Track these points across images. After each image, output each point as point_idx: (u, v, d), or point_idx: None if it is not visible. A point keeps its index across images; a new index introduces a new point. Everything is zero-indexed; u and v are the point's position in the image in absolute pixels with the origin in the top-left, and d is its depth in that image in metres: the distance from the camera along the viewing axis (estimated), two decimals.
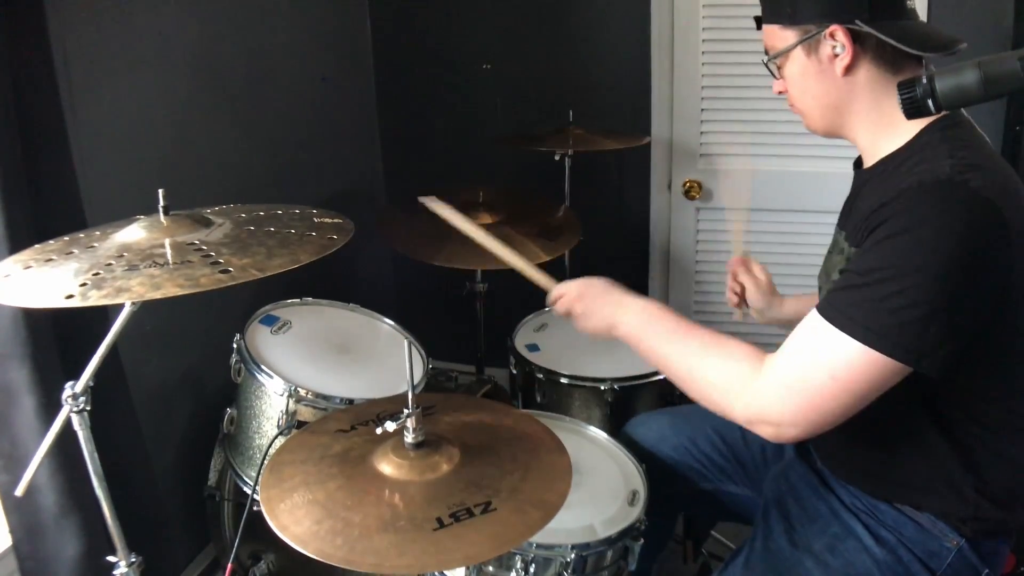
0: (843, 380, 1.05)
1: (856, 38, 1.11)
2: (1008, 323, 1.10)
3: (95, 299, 0.98)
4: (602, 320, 1.33)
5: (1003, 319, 1.09)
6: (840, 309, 1.05)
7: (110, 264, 1.05)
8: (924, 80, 0.87)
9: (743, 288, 1.58)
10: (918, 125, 1.13)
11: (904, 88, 0.90)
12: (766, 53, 1.23)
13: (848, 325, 1.04)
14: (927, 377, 1.06)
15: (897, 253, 1.02)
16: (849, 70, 1.14)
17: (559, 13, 2.61)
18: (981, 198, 1.01)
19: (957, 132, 1.11)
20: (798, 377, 1.08)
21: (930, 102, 0.88)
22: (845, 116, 1.19)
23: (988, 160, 1.08)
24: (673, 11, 2.45)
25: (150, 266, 1.04)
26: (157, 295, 0.98)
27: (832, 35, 1.12)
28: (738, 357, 1.15)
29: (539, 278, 1.48)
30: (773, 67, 1.23)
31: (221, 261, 1.07)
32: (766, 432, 1.12)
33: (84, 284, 1.00)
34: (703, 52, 2.45)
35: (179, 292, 0.99)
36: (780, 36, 1.19)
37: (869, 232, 1.07)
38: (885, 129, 1.16)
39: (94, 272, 1.03)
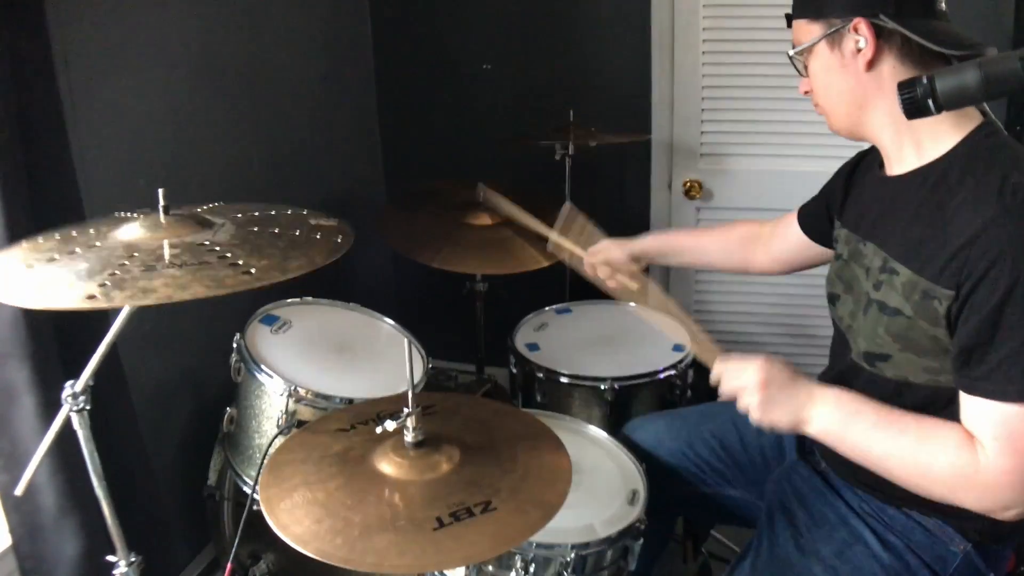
0: None
1: (880, 33, 1.10)
2: None
3: (120, 300, 0.97)
4: (791, 414, 1.17)
5: None
6: (1004, 382, 1.01)
7: (124, 264, 1.05)
8: (924, 80, 0.87)
9: (608, 272, 1.68)
10: (954, 135, 1.11)
11: (904, 88, 0.89)
12: (794, 48, 1.22)
13: (1022, 395, 1.01)
14: (938, 390, 1.08)
15: None
16: (872, 65, 1.12)
17: (559, 13, 2.61)
18: None
19: (1003, 140, 1.10)
20: (1014, 461, 1.02)
21: (930, 102, 0.88)
22: (869, 114, 1.18)
23: None
24: (673, 11, 2.45)
25: (168, 267, 1.04)
26: (185, 296, 0.98)
27: (856, 29, 1.11)
28: (952, 448, 1.06)
29: (701, 348, 1.33)
30: (800, 64, 1.23)
31: (240, 263, 1.06)
32: (1011, 516, 1.06)
33: (103, 285, 1.00)
34: (703, 52, 2.45)
35: (206, 294, 0.99)
36: (806, 31, 1.18)
37: (971, 278, 1.02)
38: (916, 134, 1.14)
39: (110, 272, 1.02)
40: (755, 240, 1.68)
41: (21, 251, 1.13)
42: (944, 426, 1.08)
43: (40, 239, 1.17)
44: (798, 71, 1.24)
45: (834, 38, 1.14)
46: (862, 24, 1.10)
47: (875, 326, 1.19)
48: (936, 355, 1.12)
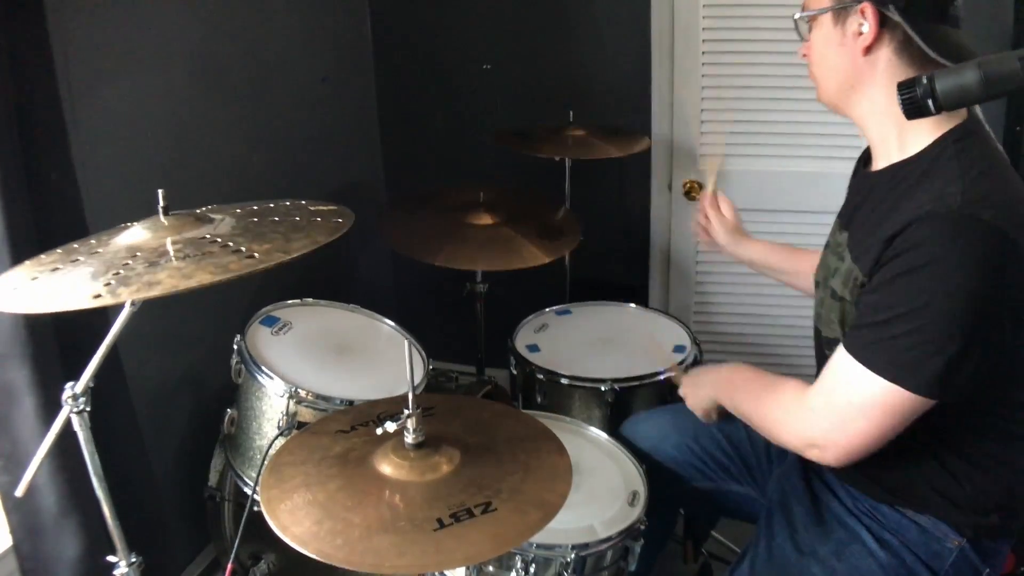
0: (870, 413, 1.09)
1: (884, 23, 1.11)
2: (1015, 344, 1.11)
3: (126, 295, 0.98)
4: (705, 393, 1.53)
5: (1014, 344, 1.10)
6: (863, 346, 1.10)
7: (128, 263, 1.05)
8: (924, 80, 0.87)
9: (708, 222, 1.78)
10: (932, 134, 1.12)
11: (904, 88, 0.90)
12: (802, 11, 1.23)
13: (871, 361, 1.08)
14: None
15: (913, 291, 1.04)
16: (869, 51, 1.13)
17: (559, 13, 2.61)
18: (993, 230, 1.01)
19: (970, 145, 1.10)
20: (827, 405, 1.15)
21: (930, 102, 0.88)
22: (857, 98, 1.19)
23: (1000, 182, 1.08)
24: (673, 11, 2.45)
25: (172, 260, 1.04)
26: (191, 284, 0.98)
27: (862, 12, 1.12)
28: (785, 392, 1.25)
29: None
30: (804, 27, 1.24)
31: (243, 248, 1.06)
32: (814, 455, 1.19)
33: (109, 284, 0.99)
34: (703, 52, 2.44)
35: (212, 280, 0.99)
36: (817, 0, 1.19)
37: (880, 263, 1.08)
38: (900, 128, 1.15)
39: (114, 272, 1.02)
40: None
41: (24, 268, 1.14)
42: (788, 380, 1.27)
43: (43, 256, 1.18)
44: (800, 35, 1.26)
45: (840, 14, 1.15)
46: (869, 9, 1.11)
47: (830, 312, 1.25)
48: None
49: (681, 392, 1.59)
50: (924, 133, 1.13)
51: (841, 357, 1.13)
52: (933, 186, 1.07)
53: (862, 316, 1.13)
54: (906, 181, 1.12)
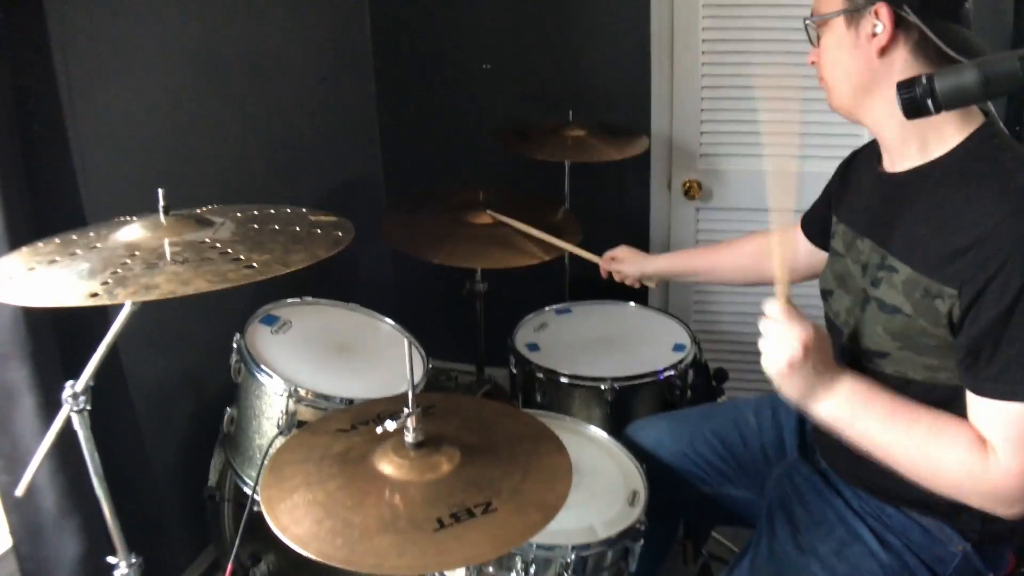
0: None
1: (899, 23, 1.10)
2: None
3: (123, 296, 0.98)
4: (805, 393, 1.14)
5: None
6: (1012, 383, 1.01)
7: (126, 262, 1.05)
8: (924, 80, 0.87)
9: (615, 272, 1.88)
10: (957, 135, 1.11)
11: (903, 88, 0.89)
12: (812, 16, 1.21)
13: None
14: (937, 387, 1.09)
15: None
16: (884, 53, 1.12)
17: (559, 13, 2.61)
18: None
19: (1004, 143, 1.10)
20: (1021, 461, 1.02)
21: (930, 102, 0.88)
22: (872, 101, 1.17)
23: None
24: (673, 11, 2.45)
25: (171, 263, 1.04)
26: (188, 291, 0.99)
27: (877, 13, 1.10)
28: (963, 447, 1.05)
29: (779, 275, 1.17)
30: (813, 33, 1.22)
31: (242, 257, 1.07)
32: (1011, 514, 1.06)
33: (106, 283, 1.00)
34: (703, 52, 2.45)
35: (209, 288, 0.99)
36: (828, 2, 1.17)
37: (979, 278, 1.02)
38: (919, 130, 1.13)
39: (112, 271, 1.02)
40: (765, 252, 1.68)
41: (22, 256, 1.14)
42: (956, 423, 1.07)
43: (40, 243, 1.18)
44: (810, 39, 1.24)
45: (853, 16, 1.14)
46: (884, 9, 1.10)
47: (873, 324, 1.19)
48: (936, 353, 1.12)
49: (765, 342, 1.15)
50: (948, 135, 1.12)
51: (1005, 411, 1.02)
52: (989, 181, 1.05)
53: (1001, 351, 1.02)
54: (948, 181, 1.10)
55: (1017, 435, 1.01)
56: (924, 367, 1.14)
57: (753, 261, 1.73)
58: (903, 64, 1.12)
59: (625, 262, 1.91)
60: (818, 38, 1.22)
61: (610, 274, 1.97)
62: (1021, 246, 0.99)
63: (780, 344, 1.12)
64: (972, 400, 1.06)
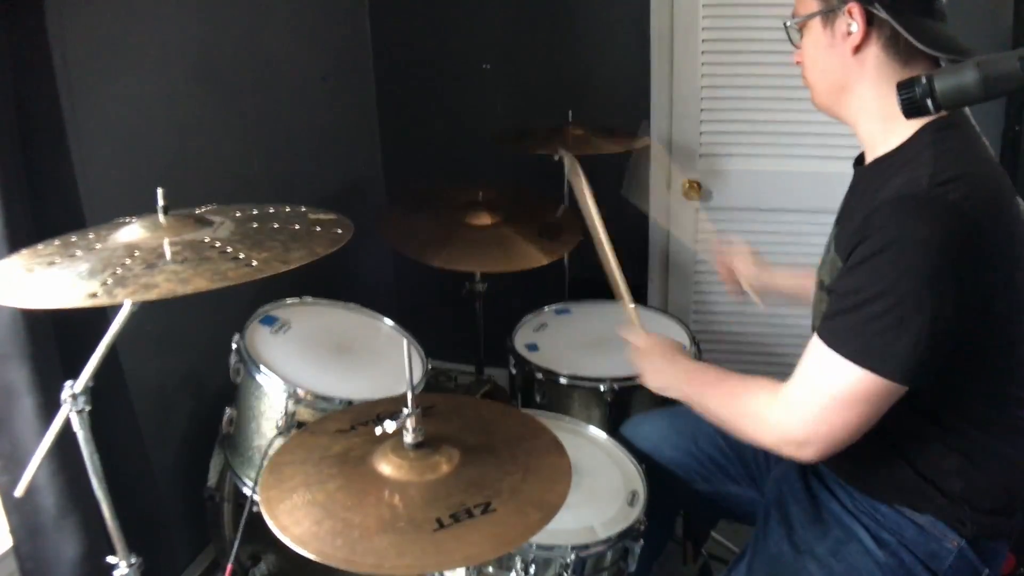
0: (845, 400, 1.09)
1: (871, 20, 1.13)
2: (996, 330, 1.12)
3: (122, 296, 0.98)
4: (662, 380, 1.45)
5: (990, 327, 1.10)
6: (833, 332, 1.10)
7: (125, 262, 1.05)
8: (923, 80, 0.87)
9: (734, 275, 1.76)
10: (915, 125, 1.13)
11: (903, 88, 0.90)
12: (792, 18, 1.25)
13: (842, 348, 1.08)
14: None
15: (877, 274, 1.05)
16: (858, 50, 1.15)
17: (559, 13, 2.60)
18: (957, 211, 1.03)
19: (949, 135, 1.11)
20: (806, 399, 1.14)
21: (929, 102, 0.88)
22: (848, 98, 1.20)
23: (974, 168, 1.09)
24: (673, 11, 2.45)
25: (170, 263, 1.04)
26: (188, 290, 0.99)
27: (850, 12, 1.14)
28: (758, 390, 1.23)
29: (631, 315, 1.62)
30: (795, 35, 1.25)
31: (242, 256, 1.07)
32: (790, 451, 1.19)
33: (105, 283, 1.00)
34: (703, 52, 2.44)
35: (208, 287, 1.00)
36: (806, 4, 1.21)
37: (853, 247, 1.09)
38: (885, 124, 1.16)
39: (111, 271, 1.02)
40: None
41: (21, 258, 1.14)
42: (758, 378, 1.25)
43: (40, 246, 1.18)
44: (791, 41, 1.27)
45: (828, 16, 1.17)
46: (856, 8, 1.13)
47: (818, 303, 1.26)
48: None
49: (634, 362, 1.50)
50: (906, 126, 1.14)
51: (815, 347, 1.13)
52: (906, 172, 1.09)
53: (832, 303, 1.13)
54: (887, 171, 1.14)
55: (812, 370, 1.13)
56: None
57: None
58: (875, 61, 1.15)
59: (744, 262, 1.74)
60: (800, 39, 1.25)
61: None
62: (889, 223, 1.05)
63: (645, 353, 1.50)
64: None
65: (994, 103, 1.09)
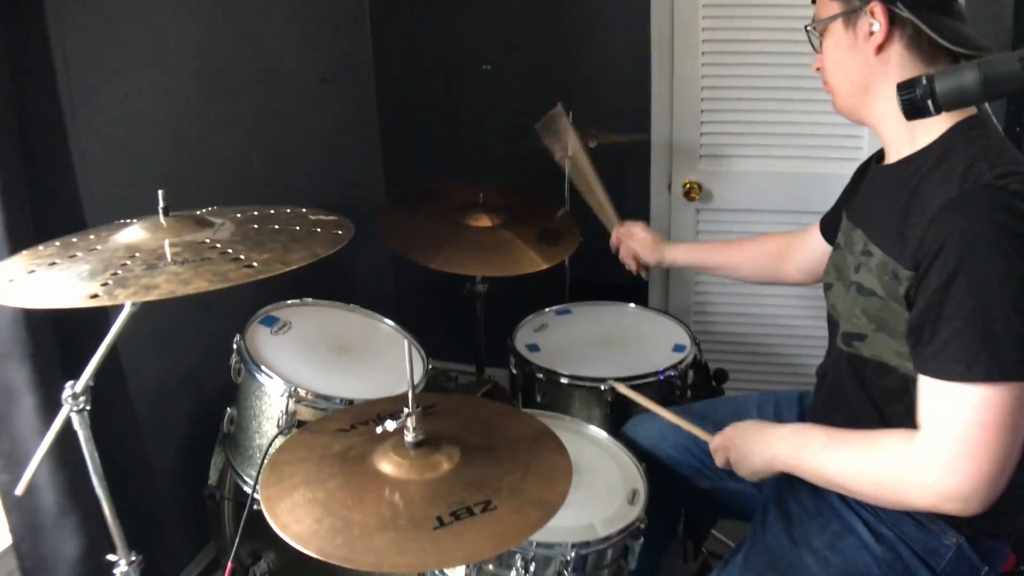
0: (993, 424, 1.02)
1: (894, 20, 1.13)
2: None
3: (123, 297, 0.98)
4: (760, 458, 1.30)
5: None
6: (949, 362, 1.04)
7: (126, 264, 1.05)
8: (924, 80, 0.88)
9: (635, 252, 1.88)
10: (943, 125, 1.14)
11: (904, 89, 0.90)
12: (813, 22, 1.25)
13: (965, 374, 1.02)
14: (910, 376, 1.10)
15: (972, 285, 1.02)
16: (881, 50, 1.15)
17: (559, 13, 2.61)
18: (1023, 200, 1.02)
19: (983, 133, 1.12)
20: (953, 445, 1.04)
21: (930, 102, 0.88)
22: (872, 99, 1.20)
23: (1019, 160, 1.09)
24: (673, 11, 2.45)
25: (171, 264, 1.04)
26: (188, 291, 0.99)
27: (872, 12, 1.14)
28: (891, 447, 1.11)
29: (687, 425, 1.54)
30: (815, 39, 1.26)
31: (242, 257, 1.07)
32: (955, 509, 1.06)
33: (106, 284, 1.00)
34: (703, 52, 2.45)
35: (208, 287, 1.00)
36: (827, 7, 1.21)
37: (924, 260, 1.06)
38: (912, 124, 1.13)
39: (112, 272, 1.02)
40: (783, 252, 1.73)
41: (22, 258, 1.14)
42: (887, 431, 1.14)
43: (40, 247, 1.18)
44: (813, 46, 1.27)
45: (851, 18, 1.17)
46: (878, 8, 1.13)
47: (853, 307, 1.23)
48: (904, 338, 1.14)
49: (721, 461, 1.40)
50: (935, 125, 1.14)
51: (934, 387, 1.05)
52: (951, 168, 1.08)
53: (934, 332, 1.05)
54: (921, 169, 1.13)
55: (948, 414, 1.04)
56: (896, 353, 1.17)
57: (770, 260, 1.76)
58: (899, 59, 1.15)
59: (642, 243, 1.90)
60: (820, 44, 1.25)
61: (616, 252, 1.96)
62: (960, 226, 1.03)
63: (718, 452, 1.41)
64: (919, 381, 1.09)
65: (994, 104, 1.09)
